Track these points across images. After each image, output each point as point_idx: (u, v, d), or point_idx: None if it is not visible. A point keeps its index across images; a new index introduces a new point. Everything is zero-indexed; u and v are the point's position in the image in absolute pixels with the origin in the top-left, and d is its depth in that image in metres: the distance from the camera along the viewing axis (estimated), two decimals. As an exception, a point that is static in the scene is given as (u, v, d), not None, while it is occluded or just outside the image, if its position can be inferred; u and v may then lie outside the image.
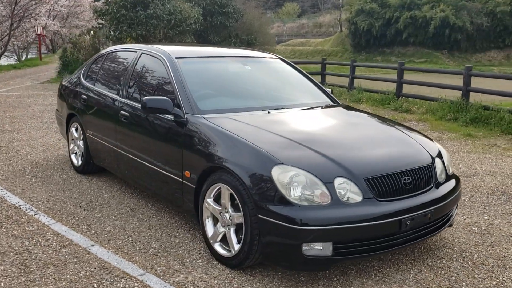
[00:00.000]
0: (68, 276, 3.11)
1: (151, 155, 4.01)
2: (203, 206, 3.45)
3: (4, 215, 4.15)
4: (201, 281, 3.09)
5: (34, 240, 3.65)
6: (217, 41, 19.47)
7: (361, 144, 3.40)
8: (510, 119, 8.46)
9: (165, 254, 3.49)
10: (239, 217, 3.13)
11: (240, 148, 3.20)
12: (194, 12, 15.99)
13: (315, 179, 2.92)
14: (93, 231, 3.86)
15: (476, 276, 3.23)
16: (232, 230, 3.23)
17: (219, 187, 3.28)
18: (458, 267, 3.36)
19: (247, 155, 3.14)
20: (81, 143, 5.36)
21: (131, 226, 3.99)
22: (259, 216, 2.95)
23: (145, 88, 4.36)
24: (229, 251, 3.25)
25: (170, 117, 3.77)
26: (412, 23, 48.87)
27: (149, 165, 4.02)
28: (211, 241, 3.40)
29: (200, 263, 3.35)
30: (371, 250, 2.99)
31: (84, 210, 4.34)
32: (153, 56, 4.37)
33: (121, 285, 3.01)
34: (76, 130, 5.46)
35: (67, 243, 3.63)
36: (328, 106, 4.30)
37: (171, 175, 3.76)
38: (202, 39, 18.11)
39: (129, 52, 4.84)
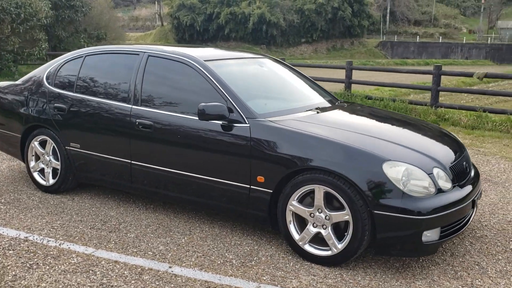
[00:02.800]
0: (189, 301, 2.89)
1: (198, 165, 3.81)
2: (285, 210, 3.47)
3: (25, 251, 3.53)
4: (318, 283, 3.16)
5: (100, 273, 3.23)
6: (65, 37, 17.91)
7: (421, 137, 3.80)
8: (394, 105, 9.75)
9: (253, 263, 3.42)
10: (341, 216, 3.25)
11: (335, 149, 3.31)
12: (42, 5, 14.42)
13: (421, 172, 3.22)
14: (151, 253, 3.55)
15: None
16: (330, 229, 3.34)
17: (309, 188, 3.35)
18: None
19: (346, 155, 3.27)
20: (51, 158, 4.72)
21: (183, 241, 3.76)
22: (374, 211, 3.14)
23: (170, 94, 4.09)
24: (327, 250, 3.36)
25: (223, 122, 3.66)
26: (233, 19, 51.19)
27: (197, 175, 3.82)
28: (300, 243, 3.45)
29: (298, 266, 3.39)
30: (457, 230, 3.41)
31: (110, 232, 3.92)
32: (171, 59, 4.11)
33: (252, 300, 2.92)
34: (43, 144, 4.78)
35: (139, 269, 3.30)
36: (345, 103, 4.58)
37: (233, 183, 3.66)
38: (49, 35, 16.44)
39: (125, 55, 4.43)
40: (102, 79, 4.51)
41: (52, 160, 4.72)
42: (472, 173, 3.81)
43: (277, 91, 4.44)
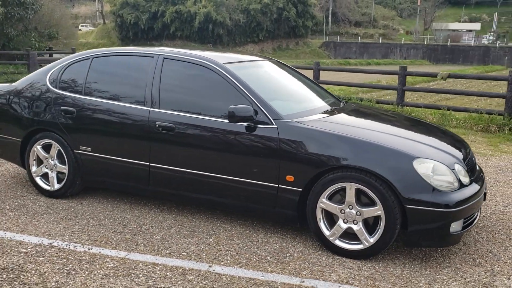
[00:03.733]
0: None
1: (224, 166, 3.88)
2: (315, 207, 3.62)
3: (56, 257, 3.47)
4: (355, 275, 3.33)
5: (142, 276, 3.24)
6: (14, 35, 17.08)
7: (436, 136, 4.06)
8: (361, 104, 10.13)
9: (287, 259, 3.55)
10: (372, 211, 3.45)
11: (367, 148, 3.50)
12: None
13: (446, 168, 3.47)
14: (184, 253, 3.59)
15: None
16: (361, 224, 3.52)
17: (340, 186, 3.52)
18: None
19: (378, 153, 3.46)
20: (56, 162, 4.62)
21: (211, 240, 3.82)
22: (407, 206, 3.35)
23: (191, 97, 4.13)
24: (358, 244, 3.54)
25: (249, 124, 3.76)
26: (178, 17, 50.78)
27: (222, 176, 3.89)
28: (331, 238, 3.62)
29: (331, 261, 3.54)
30: (473, 221, 3.69)
31: (134, 235, 3.91)
32: (190, 62, 4.15)
33: (302, 294, 3.05)
34: (46, 148, 4.66)
35: (180, 270, 3.34)
36: (352, 104, 4.79)
37: (261, 182, 3.77)
38: (-3, 33, 15.63)
39: (137, 57, 4.42)
40: (113, 81, 4.47)
41: (58, 164, 4.62)
42: (477, 168, 4.12)
43: (291, 93, 4.58)
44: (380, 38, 59.41)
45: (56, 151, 4.60)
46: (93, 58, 4.59)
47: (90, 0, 76.70)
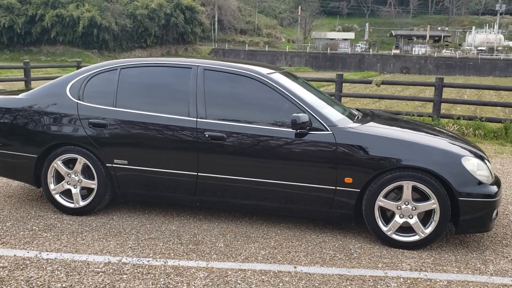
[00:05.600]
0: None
1: (279, 172, 4.05)
2: (373, 206, 3.95)
3: (140, 273, 3.37)
4: (422, 263, 3.72)
5: (242, 281, 3.31)
6: None
7: (459, 138, 4.59)
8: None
9: (355, 254, 3.83)
10: (428, 205, 3.87)
11: (420, 149, 3.92)
12: None
13: (483, 163, 4.01)
14: (260, 257, 3.70)
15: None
16: (416, 218, 3.92)
17: (397, 185, 3.89)
18: None
19: (431, 153, 3.89)
20: (81, 177, 4.40)
21: (272, 244, 3.96)
22: (459, 198, 3.83)
23: (239, 106, 4.25)
24: (413, 236, 3.94)
25: (301, 131, 3.99)
26: (60, 21, 48.09)
27: (278, 182, 4.05)
28: (388, 233, 3.97)
29: (393, 253, 3.90)
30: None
31: (196, 244, 3.90)
32: (234, 73, 4.26)
33: (395, 285, 3.36)
34: (69, 164, 4.42)
35: (271, 273, 3.46)
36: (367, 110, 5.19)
37: (318, 186, 4.01)
38: None
39: (172, 68, 4.40)
40: (148, 92, 4.39)
41: (83, 179, 4.41)
42: None
43: (320, 101, 4.83)
44: (267, 46, 61.62)
45: (82, 166, 4.38)
46: (121, 69, 4.46)
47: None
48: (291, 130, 4.02)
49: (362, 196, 4.00)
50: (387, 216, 4.02)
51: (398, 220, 3.96)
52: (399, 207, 3.94)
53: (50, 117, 4.41)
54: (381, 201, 3.94)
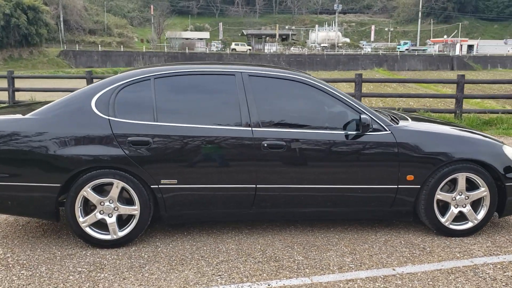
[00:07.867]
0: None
1: (343, 176, 3.98)
2: (432, 200, 4.10)
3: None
4: (473, 250, 3.94)
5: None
6: None
7: (477, 131, 4.94)
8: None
9: (419, 251, 3.94)
10: (480, 193, 4.14)
11: (469, 142, 4.19)
12: None
13: (513, 150, 4.42)
14: (352, 265, 3.61)
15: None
16: (469, 206, 4.17)
17: (452, 177, 4.10)
18: None
19: (479, 145, 4.17)
20: (118, 204, 3.83)
21: (344, 250, 3.90)
22: (506, 184, 4.16)
23: (293, 112, 4.08)
24: (465, 223, 4.19)
25: (358, 132, 4.00)
26: None
27: (341, 186, 3.99)
28: (446, 223, 4.16)
29: (448, 243, 4.05)
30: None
31: (277, 261, 3.65)
32: (283, 79, 4.08)
33: (491, 271, 3.55)
34: (100, 190, 3.81)
35: (380, 279, 3.41)
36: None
37: (381, 186, 4.04)
38: None
39: (212, 76, 4.05)
40: (192, 103, 3.95)
41: (120, 205, 3.84)
42: None
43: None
44: (121, 46, 59.18)
45: (119, 191, 3.82)
46: (155, 78, 3.96)
47: None
48: (351, 132, 3.98)
49: (421, 191, 4.12)
50: (441, 207, 4.20)
51: (454, 210, 4.16)
52: (454, 198, 4.14)
53: (74, 139, 3.74)
54: (439, 194, 4.11)
